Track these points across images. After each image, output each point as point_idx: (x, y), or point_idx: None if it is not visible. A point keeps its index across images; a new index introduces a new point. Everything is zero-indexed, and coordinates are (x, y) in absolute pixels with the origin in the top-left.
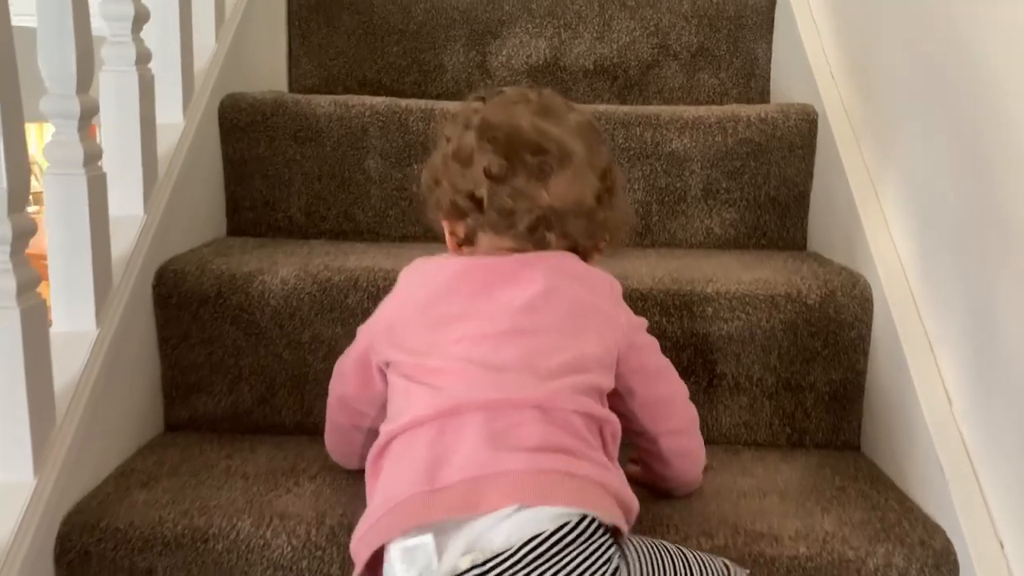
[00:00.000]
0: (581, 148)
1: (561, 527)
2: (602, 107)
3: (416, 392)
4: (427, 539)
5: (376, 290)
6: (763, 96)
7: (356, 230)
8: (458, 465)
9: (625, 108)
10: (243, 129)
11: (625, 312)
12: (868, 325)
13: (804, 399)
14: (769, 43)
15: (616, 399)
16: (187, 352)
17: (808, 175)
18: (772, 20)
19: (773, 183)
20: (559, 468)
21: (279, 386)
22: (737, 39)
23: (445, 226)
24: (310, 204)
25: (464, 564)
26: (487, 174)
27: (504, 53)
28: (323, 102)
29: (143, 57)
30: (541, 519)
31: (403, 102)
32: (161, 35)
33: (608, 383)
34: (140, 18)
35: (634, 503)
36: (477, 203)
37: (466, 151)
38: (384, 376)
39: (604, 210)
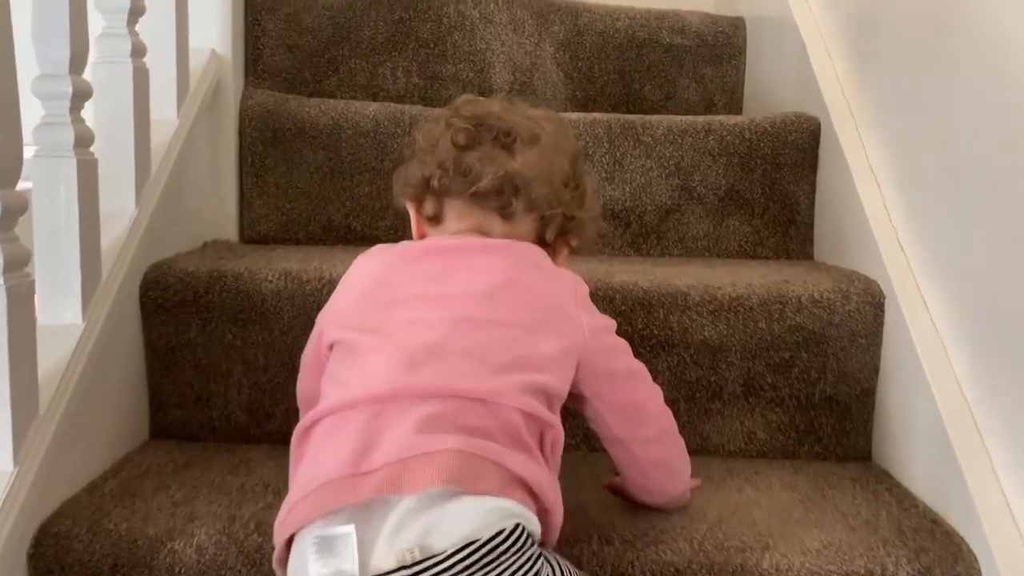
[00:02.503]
0: (549, 129)
1: (496, 535)
2: (617, 279)
3: (355, 373)
4: (349, 529)
5: None
6: (804, 247)
7: None
8: (386, 448)
9: (645, 284)
10: (170, 310)
11: (588, 314)
12: None
13: None
14: (812, 184)
15: (585, 405)
16: None
17: (873, 371)
18: (815, 159)
19: (830, 379)
20: (490, 457)
21: None
22: (774, 180)
23: (411, 209)
24: (253, 400)
25: (388, 564)
26: (453, 142)
27: None
28: (270, 275)
29: (15, 262)
30: (473, 516)
31: None
32: (51, 226)
33: (560, 388)
34: (12, 212)
35: (559, 513)
36: (443, 169)
37: (434, 137)
38: None
39: (571, 193)
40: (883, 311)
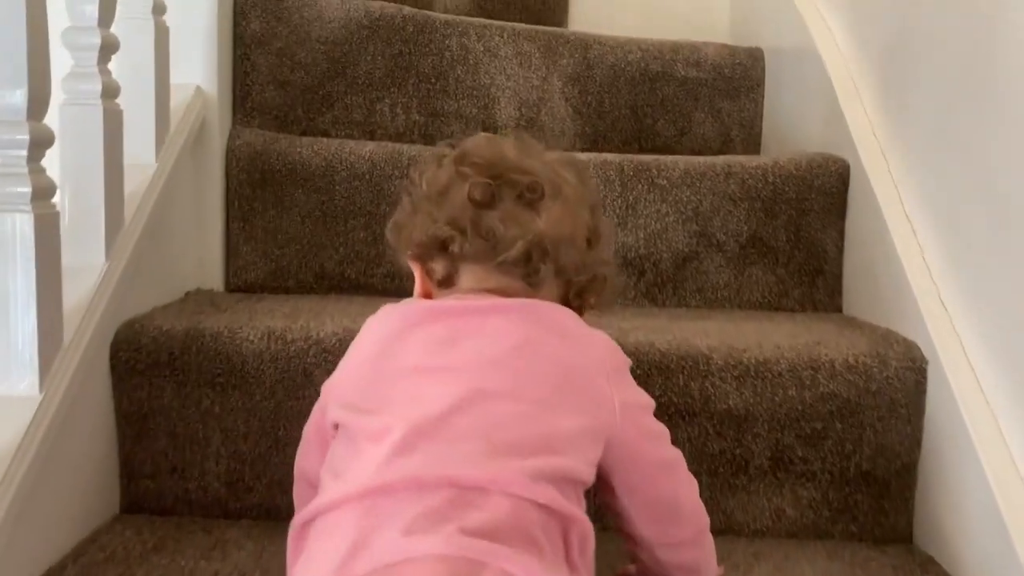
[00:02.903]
0: (572, 179)
1: None
2: (631, 339)
3: (351, 463)
4: None
5: None
6: (833, 298)
7: (293, 506)
8: (373, 551)
9: (662, 345)
10: (143, 373)
11: (623, 388)
12: None
13: None
14: (840, 231)
15: (610, 495)
16: None
17: (915, 443)
18: (844, 204)
19: (866, 452)
20: (485, 560)
21: None
22: (799, 227)
23: (416, 269)
24: (232, 471)
25: None
26: (471, 198)
27: None
28: (252, 335)
29: None
30: None
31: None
32: (4, 289)
33: (585, 473)
34: None
35: None
36: (459, 231)
37: (441, 183)
38: None
39: (593, 254)
40: (925, 377)
